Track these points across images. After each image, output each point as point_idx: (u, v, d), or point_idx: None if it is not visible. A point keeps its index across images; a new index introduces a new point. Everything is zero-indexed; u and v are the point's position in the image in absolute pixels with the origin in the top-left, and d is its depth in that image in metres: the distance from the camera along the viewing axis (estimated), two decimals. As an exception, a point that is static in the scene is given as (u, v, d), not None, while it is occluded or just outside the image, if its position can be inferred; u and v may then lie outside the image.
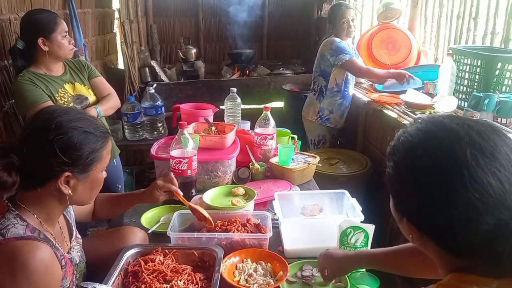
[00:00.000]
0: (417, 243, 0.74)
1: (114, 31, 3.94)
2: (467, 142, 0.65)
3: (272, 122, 1.90)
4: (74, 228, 1.21)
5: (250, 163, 1.86)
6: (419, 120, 0.74)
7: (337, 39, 2.81)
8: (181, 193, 1.37)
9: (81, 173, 1.02)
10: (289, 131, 2.15)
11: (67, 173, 0.99)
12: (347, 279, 1.15)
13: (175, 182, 1.37)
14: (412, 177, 0.69)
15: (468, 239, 0.65)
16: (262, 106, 1.97)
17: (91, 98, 2.12)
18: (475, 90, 2.21)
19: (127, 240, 1.27)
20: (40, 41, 1.92)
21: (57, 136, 0.97)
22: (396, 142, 0.75)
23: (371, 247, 1.23)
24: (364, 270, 1.21)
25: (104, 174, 1.11)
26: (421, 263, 0.93)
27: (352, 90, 2.99)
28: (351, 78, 2.91)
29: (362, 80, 3.25)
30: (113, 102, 2.18)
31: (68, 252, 1.13)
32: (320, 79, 2.91)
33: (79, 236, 1.23)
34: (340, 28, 2.82)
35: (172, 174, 1.40)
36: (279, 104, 4.05)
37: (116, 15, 3.82)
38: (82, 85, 2.12)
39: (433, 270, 0.76)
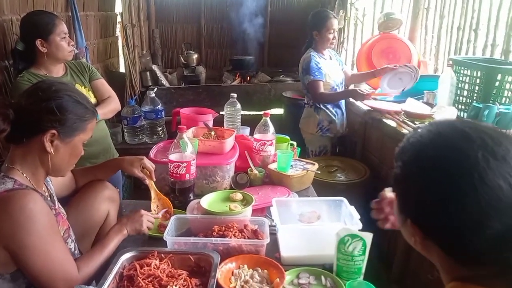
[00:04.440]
0: (419, 247, 0.73)
1: (116, 34, 3.96)
2: (479, 144, 0.64)
3: (271, 128, 1.90)
4: (55, 198, 1.31)
5: (249, 169, 1.85)
6: (431, 123, 0.75)
7: (312, 55, 2.76)
8: (154, 179, 1.55)
9: (65, 136, 1.15)
10: (288, 137, 2.15)
11: (53, 131, 1.11)
12: (344, 287, 1.14)
13: (153, 173, 1.55)
14: (420, 176, 0.69)
15: (474, 244, 0.64)
16: (262, 112, 1.97)
17: (92, 100, 2.11)
18: (474, 101, 2.22)
19: (98, 193, 1.48)
20: (38, 42, 1.92)
21: (55, 97, 1.12)
22: (406, 142, 0.75)
23: (369, 256, 1.22)
24: (361, 278, 1.20)
25: (82, 151, 1.24)
26: None
27: None
28: (337, 87, 2.87)
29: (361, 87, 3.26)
30: (112, 106, 2.18)
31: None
32: (309, 95, 2.89)
33: (60, 207, 1.31)
34: (326, 37, 2.76)
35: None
36: (279, 110, 4.06)
37: (119, 18, 3.83)
38: (83, 87, 2.12)
39: None
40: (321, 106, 2.86)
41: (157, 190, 1.57)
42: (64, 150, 1.16)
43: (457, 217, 0.64)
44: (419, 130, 0.74)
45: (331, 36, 2.77)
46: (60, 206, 1.31)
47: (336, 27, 2.81)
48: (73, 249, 1.26)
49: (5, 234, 1.02)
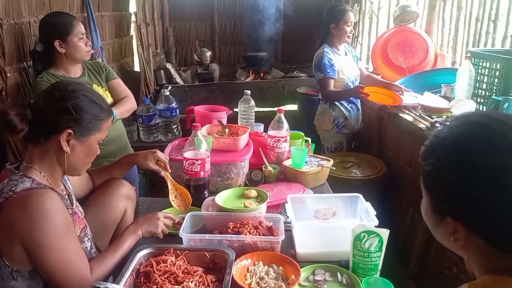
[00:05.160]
0: (460, 244, 0.71)
1: (130, 34, 4.00)
2: None
3: (285, 124, 1.89)
4: (73, 197, 1.32)
5: (263, 166, 1.85)
6: (456, 117, 0.74)
7: (326, 51, 2.72)
8: (170, 171, 1.57)
9: (81, 136, 1.16)
10: (302, 134, 2.14)
11: (69, 130, 1.13)
12: (360, 284, 1.13)
13: (168, 165, 1.57)
14: (462, 167, 0.67)
15: None
16: (275, 108, 1.96)
17: (108, 100, 2.15)
18: (494, 94, 2.16)
19: (115, 191, 1.50)
20: (56, 43, 1.96)
21: (71, 97, 1.14)
22: (435, 139, 0.74)
23: (385, 253, 1.20)
24: (377, 275, 1.19)
25: (99, 150, 1.25)
26: None
27: None
28: (352, 83, 2.83)
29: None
30: (129, 105, 2.20)
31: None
32: None
33: (78, 205, 1.33)
34: (343, 30, 2.72)
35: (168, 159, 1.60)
36: (293, 107, 4.04)
37: (133, 18, 3.88)
38: (100, 87, 2.15)
39: None
40: (336, 103, 2.83)
41: (174, 181, 1.59)
42: (80, 150, 1.18)
43: (503, 202, 0.63)
44: (444, 127, 0.73)
45: (348, 29, 2.74)
46: (78, 204, 1.33)
47: (353, 20, 2.79)
48: (89, 248, 1.27)
49: (22, 232, 1.04)
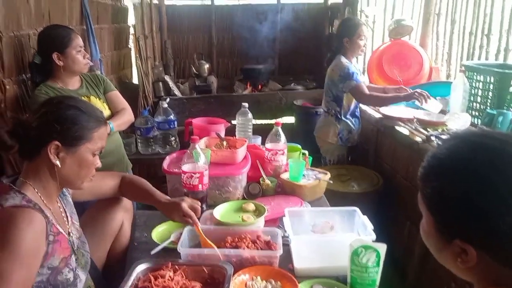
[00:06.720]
0: (467, 266, 0.70)
1: (129, 46, 4.03)
2: None
3: (283, 137, 1.90)
4: (69, 214, 1.29)
5: (261, 179, 1.85)
6: (449, 138, 0.74)
7: (345, 62, 2.73)
8: (200, 225, 1.37)
9: (69, 147, 1.15)
10: (300, 146, 2.15)
11: (56, 142, 1.12)
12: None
13: (199, 212, 1.41)
14: (475, 189, 0.66)
15: None
16: (273, 121, 1.97)
17: (106, 112, 2.16)
18: (488, 107, 2.19)
19: (113, 202, 1.51)
20: (54, 56, 1.98)
21: (55, 108, 1.15)
22: (434, 161, 0.73)
23: (383, 267, 1.20)
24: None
25: (98, 163, 1.24)
26: None
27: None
28: None
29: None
30: (126, 117, 2.21)
31: (68, 234, 1.22)
32: (333, 104, 2.84)
33: (75, 221, 1.31)
34: (356, 44, 2.74)
35: (199, 205, 1.43)
36: (290, 119, 4.06)
37: (132, 30, 3.91)
38: (98, 99, 2.16)
39: None
40: (342, 117, 2.82)
41: (205, 237, 1.34)
42: (71, 161, 1.16)
43: None
44: (442, 146, 0.73)
45: (362, 42, 2.75)
46: (75, 221, 1.31)
47: (367, 34, 2.80)
48: (71, 279, 1.17)
49: None
